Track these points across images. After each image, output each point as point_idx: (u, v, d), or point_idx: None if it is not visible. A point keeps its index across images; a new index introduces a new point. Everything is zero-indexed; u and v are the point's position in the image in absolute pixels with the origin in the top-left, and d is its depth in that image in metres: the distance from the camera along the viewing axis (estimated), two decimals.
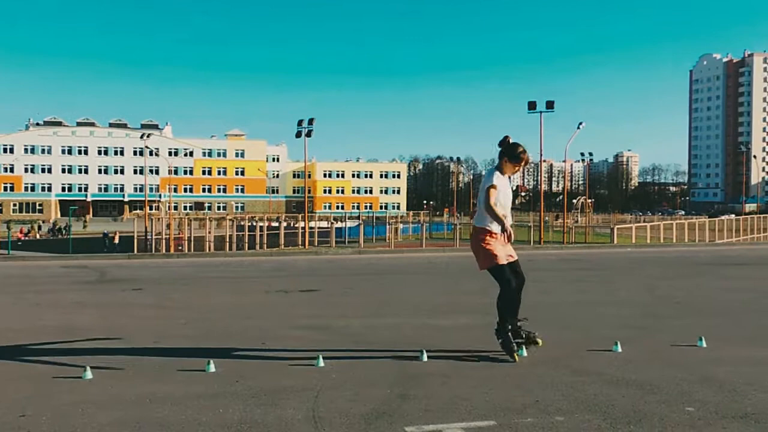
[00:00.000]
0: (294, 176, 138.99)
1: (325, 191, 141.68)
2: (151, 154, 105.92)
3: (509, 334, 6.36)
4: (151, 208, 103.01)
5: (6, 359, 6.62)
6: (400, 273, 16.31)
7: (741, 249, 26.60)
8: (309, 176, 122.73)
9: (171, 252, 43.11)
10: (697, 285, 12.95)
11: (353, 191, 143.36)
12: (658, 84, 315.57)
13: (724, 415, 4.63)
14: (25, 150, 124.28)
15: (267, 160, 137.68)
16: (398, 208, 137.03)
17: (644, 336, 7.53)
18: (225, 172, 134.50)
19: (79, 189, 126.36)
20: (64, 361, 6.47)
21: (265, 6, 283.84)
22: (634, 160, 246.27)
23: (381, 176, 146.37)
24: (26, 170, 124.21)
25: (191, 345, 7.25)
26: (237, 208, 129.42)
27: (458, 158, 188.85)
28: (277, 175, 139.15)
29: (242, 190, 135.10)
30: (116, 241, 52.08)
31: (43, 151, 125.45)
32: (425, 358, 6.30)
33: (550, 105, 48.58)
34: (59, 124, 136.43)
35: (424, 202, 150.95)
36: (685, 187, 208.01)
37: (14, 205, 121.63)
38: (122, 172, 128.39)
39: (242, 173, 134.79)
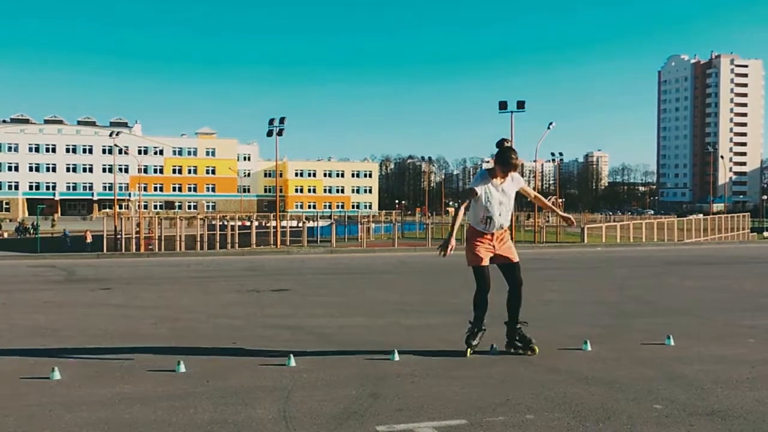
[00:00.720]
0: (265, 175, 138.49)
1: (296, 190, 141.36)
2: (120, 152, 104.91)
3: (471, 328, 6.52)
4: (120, 207, 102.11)
5: None
6: (372, 272, 16.32)
7: (709, 248, 26.98)
8: (280, 175, 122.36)
9: (141, 251, 42.74)
10: (665, 284, 13.11)
11: (325, 190, 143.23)
12: (627, 84, 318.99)
13: (691, 412, 4.69)
14: None
15: (238, 159, 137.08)
16: (370, 207, 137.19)
17: (614, 334, 7.61)
18: (196, 171, 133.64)
19: (47, 188, 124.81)
20: (32, 361, 6.39)
21: (235, 1, 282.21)
22: (604, 160, 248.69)
23: (353, 175, 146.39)
24: None
25: (161, 345, 7.19)
26: (208, 207, 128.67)
27: (430, 158, 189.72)
28: (249, 174, 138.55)
29: (213, 189, 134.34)
30: (88, 240, 51.41)
31: (9, 149, 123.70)
32: (396, 357, 6.31)
33: (520, 105, 48.88)
34: (26, 121, 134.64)
35: (396, 201, 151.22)
36: (654, 187, 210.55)
37: None
38: (91, 170, 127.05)
39: (213, 172, 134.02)
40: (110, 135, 78.26)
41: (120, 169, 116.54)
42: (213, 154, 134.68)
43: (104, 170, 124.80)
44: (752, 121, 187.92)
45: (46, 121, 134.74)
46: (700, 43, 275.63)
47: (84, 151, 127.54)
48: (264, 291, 12.14)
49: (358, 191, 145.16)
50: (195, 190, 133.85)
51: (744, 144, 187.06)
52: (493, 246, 6.45)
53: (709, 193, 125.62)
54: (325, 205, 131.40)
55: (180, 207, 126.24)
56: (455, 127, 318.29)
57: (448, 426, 4.46)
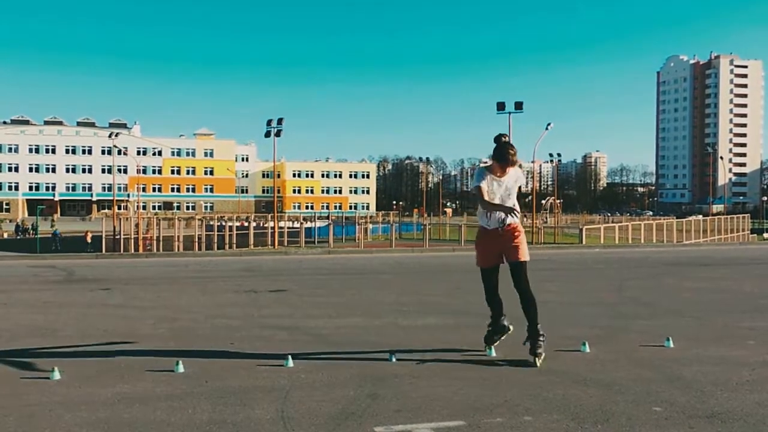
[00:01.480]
0: (263, 176, 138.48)
1: (294, 191, 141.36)
2: (119, 153, 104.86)
3: (489, 329, 6.69)
4: (119, 208, 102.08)
5: None
6: (370, 273, 16.31)
7: (708, 249, 26.97)
8: (278, 176, 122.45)
9: (140, 252, 42.73)
10: (664, 285, 13.11)
11: (322, 191, 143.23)
12: (626, 85, 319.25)
13: (690, 414, 4.68)
14: None
15: (236, 160, 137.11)
16: (368, 208, 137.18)
17: (612, 336, 7.61)
18: (194, 172, 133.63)
19: (47, 188, 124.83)
20: (32, 361, 6.39)
21: (234, 1, 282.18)
22: (603, 160, 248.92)
23: (350, 176, 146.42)
24: None
25: (160, 345, 7.18)
26: (206, 207, 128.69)
27: (427, 158, 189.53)
28: (247, 175, 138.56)
29: (211, 190, 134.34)
30: (89, 240, 51.39)
31: (10, 149, 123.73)
32: (394, 358, 6.31)
33: (518, 106, 48.95)
34: (26, 122, 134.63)
35: (394, 202, 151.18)
36: (653, 187, 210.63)
37: None
38: (90, 171, 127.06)
39: (211, 173, 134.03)
40: (109, 136, 78.38)
41: (119, 170, 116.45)
42: (211, 154, 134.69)
43: (103, 171, 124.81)
44: (752, 122, 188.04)
45: (46, 122, 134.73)
46: (699, 43, 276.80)
47: (83, 151, 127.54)
48: (262, 291, 12.13)
49: (355, 192, 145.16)
50: (193, 190, 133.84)
51: (744, 145, 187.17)
52: (501, 244, 6.36)
53: (709, 194, 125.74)
54: (322, 206, 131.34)
55: (178, 207, 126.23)
56: (453, 128, 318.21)
57: (446, 427, 4.46)
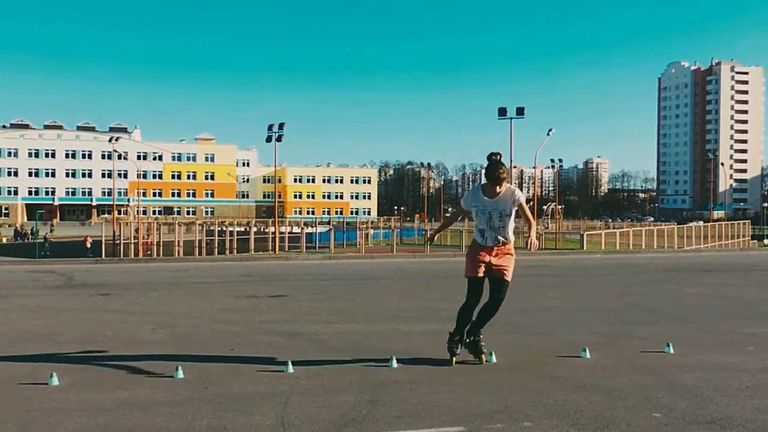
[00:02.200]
0: (264, 181, 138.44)
1: (295, 196, 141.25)
2: (119, 157, 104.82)
3: (452, 337, 6.58)
4: (119, 213, 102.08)
5: None
6: (371, 278, 16.31)
7: (709, 256, 26.98)
8: (279, 181, 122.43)
9: (140, 257, 42.71)
10: (665, 291, 13.10)
11: (324, 196, 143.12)
12: (627, 91, 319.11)
13: (690, 420, 4.68)
14: None
15: (237, 165, 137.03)
16: (369, 213, 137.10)
17: (613, 342, 7.60)
18: (194, 177, 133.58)
19: (47, 193, 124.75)
20: (31, 366, 6.39)
21: (235, 6, 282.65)
22: (604, 166, 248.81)
23: (352, 181, 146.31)
24: None
25: (159, 351, 7.18)
26: (207, 212, 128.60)
27: (429, 164, 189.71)
28: (248, 180, 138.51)
29: (212, 195, 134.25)
30: (89, 245, 51.39)
31: (9, 154, 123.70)
32: (395, 364, 6.30)
33: (520, 111, 48.95)
34: (26, 126, 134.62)
35: (395, 207, 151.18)
36: (654, 193, 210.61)
37: None
38: (90, 175, 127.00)
39: (212, 177, 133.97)
40: (109, 140, 78.29)
41: (119, 175, 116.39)
42: (212, 159, 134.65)
43: (103, 175, 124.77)
44: (753, 128, 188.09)
45: (46, 127, 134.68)
46: (700, 49, 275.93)
47: (83, 156, 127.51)
48: (262, 297, 12.13)
49: (356, 197, 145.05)
50: (194, 195, 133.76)
51: (744, 151, 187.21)
52: (491, 260, 6.44)
53: (710, 200, 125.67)
54: (323, 211, 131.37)
55: (179, 212, 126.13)
56: (454, 133, 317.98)
57: None
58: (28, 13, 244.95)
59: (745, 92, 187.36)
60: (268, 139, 52.72)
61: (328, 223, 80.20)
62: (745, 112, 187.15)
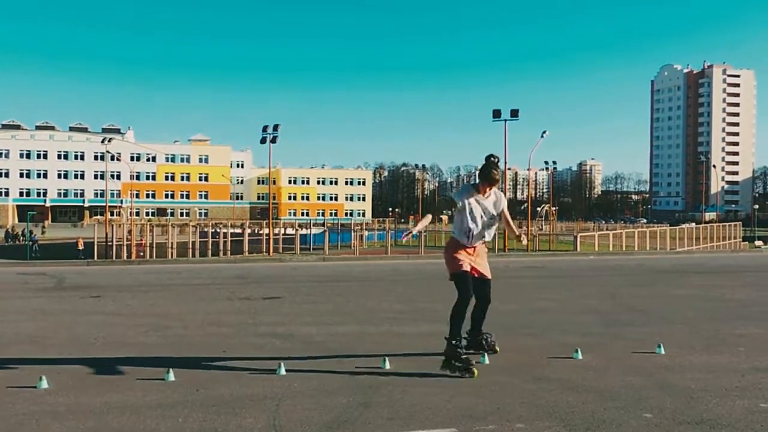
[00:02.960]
0: (259, 182, 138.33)
1: (290, 198, 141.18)
2: (112, 159, 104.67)
3: (458, 343, 6.32)
4: (112, 214, 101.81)
5: None
6: (365, 280, 16.29)
7: (701, 257, 27.06)
8: (274, 182, 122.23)
9: (132, 258, 42.61)
10: (657, 292, 13.12)
11: (318, 198, 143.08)
12: (620, 93, 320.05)
13: (680, 421, 4.69)
14: None
15: (231, 166, 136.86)
16: (363, 215, 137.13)
17: (604, 343, 7.61)
18: (188, 178, 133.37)
19: (38, 194, 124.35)
20: (19, 369, 6.36)
21: (230, 7, 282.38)
22: (597, 168, 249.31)
23: (346, 183, 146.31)
24: None
25: (151, 353, 7.16)
26: (200, 214, 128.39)
27: (423, 165, 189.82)
28: (242, 181, 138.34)
29: (206, 196, 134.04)
30: (81, 247, 51.28)
31: (0, 154, 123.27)
32: (387, 365, 6.30)
33: (514, 113, 49.01)
34: (18, 127, 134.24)
35: (390, 209, 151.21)
36: (647, 195, 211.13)
37: None
38: (83, 177, 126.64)
39: (206, 179, 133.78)
40: (102, 141, 78.14)
41: (112, 176, 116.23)
42: (206, 161, 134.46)
43: (96, 177, 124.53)
44: (744, 131, 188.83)
45: (38, 127, 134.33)
46: (692, 52, 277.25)
47: (76, 157, 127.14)
48: (255, 299, 12.11)
49: (351, 199, 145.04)
50: (187, 197, 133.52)
51: (736, 153, 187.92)
52: (472, 259, 6.52)
53: (702, 202, 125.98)
54: (318, 213, 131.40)
55: (172, 214, 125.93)
56: (449, 135, 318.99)
57: None
58: (21, 13, 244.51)
59: (737, 95, 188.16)
60: (263, 141, 52.72)
61: (323, 224, 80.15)
62: (737, 114, 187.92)
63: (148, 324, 9.21)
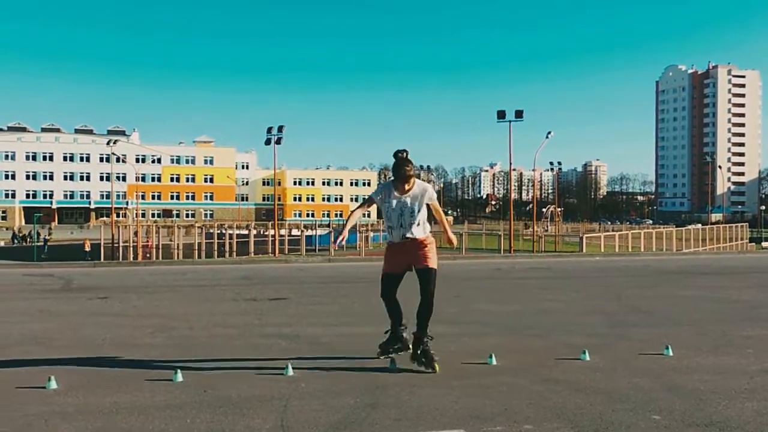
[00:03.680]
0: (264, 184, 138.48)
1: (295, 199, 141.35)
2: (117, 160, 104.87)
3: (389, 335, 6.66)
4: (118, 216, 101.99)
5: None
6: (371, 281, 16.26)
7: (707, 258, 26.98)
8: (279, 184, 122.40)
9: (138, 260, 42.67)
10: (664, 294, 13.09)
11: (323, 199, 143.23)
12: (625, 94, 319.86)
13: (689, 423, 4.68)
14: None
15: (236, 168, 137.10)
16: (369, 216, 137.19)
17: (612, 344, 7.59)
18: (193, 179, 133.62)
19: (44, 196, 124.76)
20: (28, 370, 6.37)
21: (234, 8, 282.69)
22: (603, 169, 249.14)
23: (351, 184, 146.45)
24: None
25: (158, 354, 7.16)
26: (206, 215, 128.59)
27: (428, 166, 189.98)
28: (247, 183, 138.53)
29: (211, 198, 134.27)
30: (87, 248, 51.40)
31: (6, 157, 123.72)
32: (395, 366, 6.30)
33: (519, 114, 48.92)
34: (23, 129, 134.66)
35: None
36: (653, 196, 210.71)
37: None
38: (88, 178, 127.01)
39: (211, 180, 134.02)
40: (108, 143, 78.25)
41: (117, 178, 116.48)
42: (211, 162, 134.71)
43: (101, 178, 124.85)
44: (750, 132, 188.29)
45: (44, 129, 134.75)
46: (697, 53, 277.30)
47: (81, 159, 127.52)
48: (262, 300, 12.11)
49: (356, 200, 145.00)
50: (193, 198, 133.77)
51: (742, 154, 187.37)
52: (408, 255, 6.43)
53: (708, 203, 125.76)
54: (323, 214, 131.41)
55: (178, 215, 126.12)
56: (454, 136, 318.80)
57: None
58: (24, 15, 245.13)
59: (743, 95, 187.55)
60: (268, 142, 52.75)
61: (328, 225, 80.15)
62: (743, 115, 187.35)
63: (155, 325, 9.22)
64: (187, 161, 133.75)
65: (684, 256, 30.05)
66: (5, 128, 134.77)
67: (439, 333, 8.38)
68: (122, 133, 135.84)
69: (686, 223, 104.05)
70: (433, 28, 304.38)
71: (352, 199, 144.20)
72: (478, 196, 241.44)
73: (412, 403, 5.16)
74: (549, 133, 58.06)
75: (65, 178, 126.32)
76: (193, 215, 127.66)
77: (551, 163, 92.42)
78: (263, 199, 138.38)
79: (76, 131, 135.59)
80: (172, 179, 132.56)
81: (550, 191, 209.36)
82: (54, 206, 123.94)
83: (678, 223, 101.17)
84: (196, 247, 48.78)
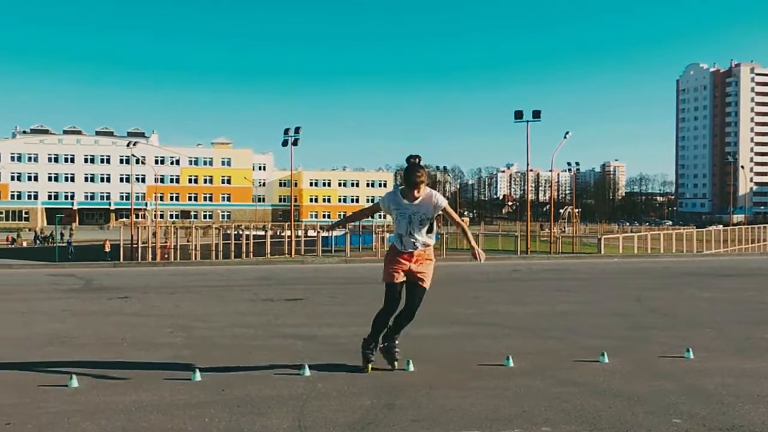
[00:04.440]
0: (280, 185, 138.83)
1: (311, 200, 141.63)
2: (137, 162, 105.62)
3: (368, 344, 6.43)
4: (137, 217, 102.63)
5: None
6: None
7: (729, 260, 26.74)
8: (295, 185, 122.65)
9: (157, 260, 42.92)
10: (684, 296, 12.99)
11: (340, 200, 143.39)
12: (645, 93, 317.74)
13: (711, 427, 4.63)
14: (12, 158, 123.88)
15: (253, 169, 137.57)
16: (385, 217, 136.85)
17: (631, 347, 7.53)
18: (211, 181, 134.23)
19: (66, 197, 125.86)
20: (50, 369, 6.42)
21: (252, 10, 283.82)
22: (621, 170, 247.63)
23: (367, 185, 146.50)
24: (12, 178, 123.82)
25: (177, 354, 7.20)
26: (223, 216, 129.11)
27: (445, 167, 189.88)
28: (264, 184, 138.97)
29: (228, 199, 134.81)
30: (107, 249, 51.87)
31: (29, 159, 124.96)
32: (411, 367, 6.30)
33: (536, 114, 48.69)
34: (46, 132, 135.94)
35: None
36: (673, 197, 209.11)
37: (0, 213, 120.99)
38: (108, 180, 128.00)
39: (228, 182, 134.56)
40: (127, 145, 78.93)
41: (137, 179, 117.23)
42: (228, 163, 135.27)
43: (121, 180, 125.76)
44: None
45: (65, 132, 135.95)
46: (718, 51, 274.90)
47: (102, 161, 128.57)
48: (278, 300, 12.15)
49: (372, 201, 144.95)
50: (210, 199, 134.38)
51: (765, 154, 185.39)
52: (410, 266, 6.31)
53: (729, 204, 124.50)
54: (339, 215, 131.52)
55: (195, 216, 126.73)
56: (470, 137, 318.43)
57: None
58: (48, 19, 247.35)
59: (766, 94, 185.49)
60: (285, 143, 52.93)
61: (344, 226, 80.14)
62: (766, 114, 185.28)
63: (174, 325, 9.27)
64: (205, 163, 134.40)
65: (705, 257, 29.80)
66: (28, 131, 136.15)
67: (455, 334, 8.39)
68: (142, 135, 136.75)
69: (707, 224, 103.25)
70: (451, 30, 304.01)
71: (368, 200, 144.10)
72: (495, 197, 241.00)
73: (429, 405, 5.15)
74: (567, 133, 57.85)
75: (86, 179, 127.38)
76: (210, 216, 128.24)
77: (569, 164, 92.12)
78: (280, 200, 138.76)
79: (97, 133, 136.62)
80: (190, 180, 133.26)
81: (567, 192, 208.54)
82: (75, 207, 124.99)
83: (699, 225, 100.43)
84: (214, 248, 48.99)
